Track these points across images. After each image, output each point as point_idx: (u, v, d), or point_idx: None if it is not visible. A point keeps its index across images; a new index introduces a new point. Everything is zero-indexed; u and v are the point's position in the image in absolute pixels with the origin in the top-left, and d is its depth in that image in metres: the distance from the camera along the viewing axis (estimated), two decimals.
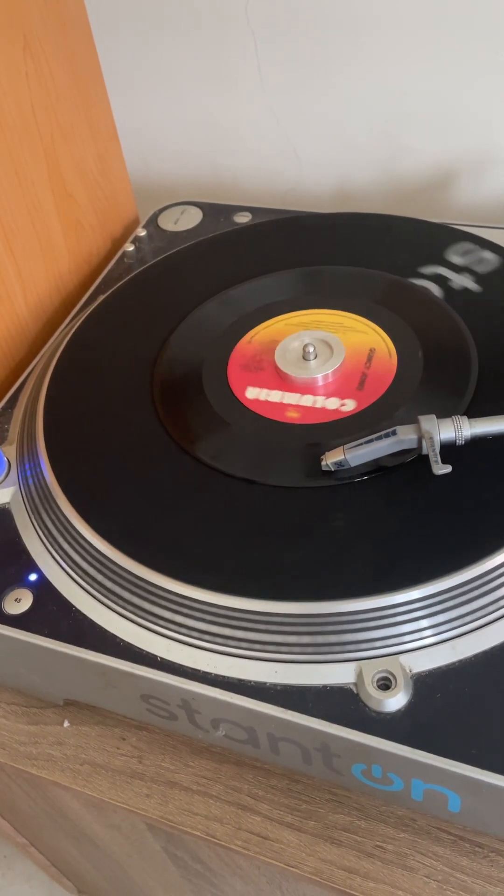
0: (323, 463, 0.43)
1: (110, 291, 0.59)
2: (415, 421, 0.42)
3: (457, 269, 0.45)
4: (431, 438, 0.40)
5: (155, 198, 0.81)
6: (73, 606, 0.41)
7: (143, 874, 0.66)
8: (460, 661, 0.36)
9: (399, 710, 0.35)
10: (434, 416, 0.41)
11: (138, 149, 0.83)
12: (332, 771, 0.38)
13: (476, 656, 0.36)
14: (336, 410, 0.47)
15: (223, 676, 0.37)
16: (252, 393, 0.49)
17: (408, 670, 0.36)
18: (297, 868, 0.40)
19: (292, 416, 0.47)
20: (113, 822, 0.55)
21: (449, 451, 0.41)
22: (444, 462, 0.40)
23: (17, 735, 0.46)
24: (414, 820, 0.41)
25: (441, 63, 0.67)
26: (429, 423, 0.41)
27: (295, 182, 0.81)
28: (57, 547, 0.43)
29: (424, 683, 0.36)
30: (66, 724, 0.46)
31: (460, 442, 0.41)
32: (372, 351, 0.50)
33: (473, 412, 0.44)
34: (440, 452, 0.40)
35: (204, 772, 0.44)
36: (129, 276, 0.61)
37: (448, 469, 0.39)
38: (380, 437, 0.42)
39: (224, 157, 0.81)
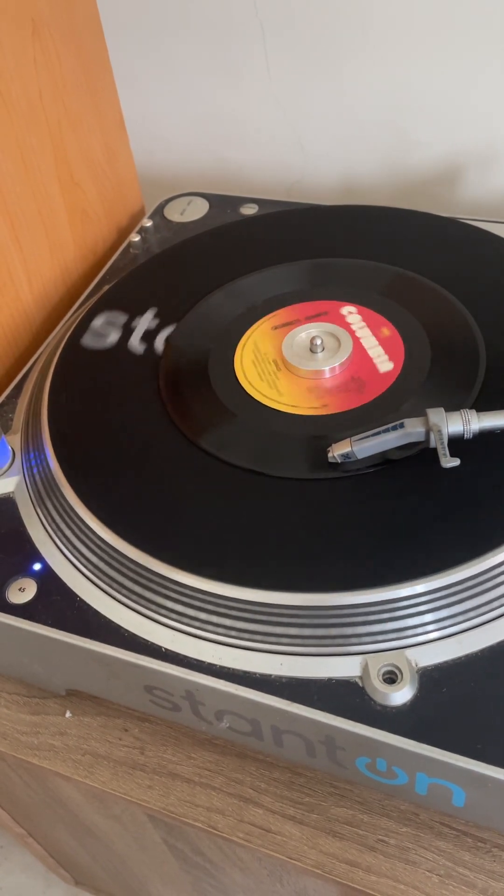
0: (329, 455, 0.43)
1: (116, 281, 0.59)
2: (422, 414, 0.42)
3: None
4: (440, 431, 0.40)
5: (159, 189, 0.80)
6: (77, 596, 0.41)
7: (141, 866, 0.66)
8: (466, 656, 0.36)
9: (405, 704, 0.35)
10: (442, 409, 0.41)
11: (143, 139, 0.82)
12: (336, 764, 0.38)
13: (482, 651, 0.36)
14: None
15: (228, 668, 0.37)
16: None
17: (414, 664, 0.36)
18: (299, 861, 0.40)
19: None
20: (113, 813, 0.55)
21: (455, 445, 0.41)
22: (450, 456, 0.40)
23: (19, 725, 0.46)
24: (417, 814, 0.41)
25: (449, 57, 0.66)
26: (437, 415, 0.40)
27: (300, 175, 0.80)
28: (61, 536, 0.43)
29: (430, 677, 0.36)
30: (67, 714, 0.46)
31: (468, 435, 0.41)
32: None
33: (480, 407, 0.43)
34: (448, 446, 0.40)
35: (206, 764, 0.44)
36: (135, 266, 0.60)
37: (456, 462, 0.39)
38: (387, 430, 0.41)
39: (229, 148, 0.81)
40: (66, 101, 0.60)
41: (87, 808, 0.57)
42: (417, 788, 0.36)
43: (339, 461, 0.43)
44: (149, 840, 0.57)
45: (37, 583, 0.41)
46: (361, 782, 0.39)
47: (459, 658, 0.36)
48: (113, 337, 0.46)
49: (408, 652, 0.36)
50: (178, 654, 0.38)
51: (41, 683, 0.47)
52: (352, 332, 0.50)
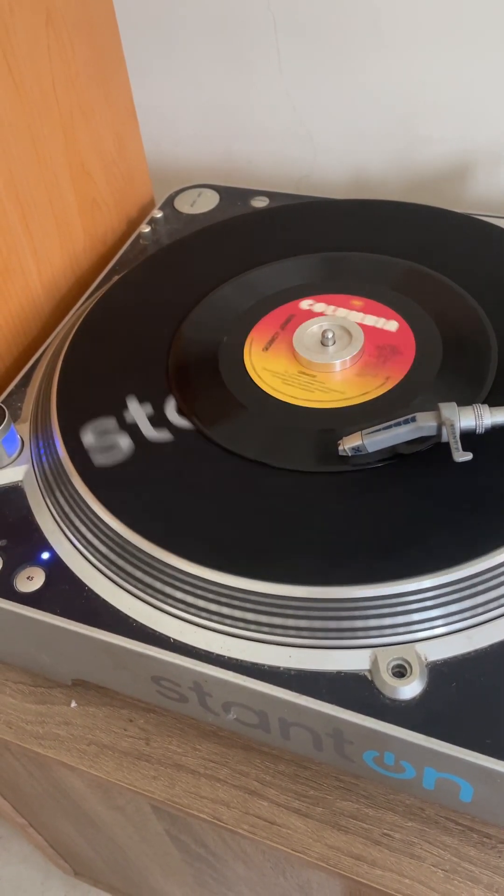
0: (340, 448, 0.42)
1: (126, 271, 0.59)
2: (434, 408, 0.41)
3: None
4: (452, 426, 0.40)
5: (168, 181, 0.80)
6: (86, 586, 0.41)
7: (143, 857, 0.66)
8: (476, 651, 0.36)
9: (414, 698, 0.35)
10: (454, 404, 0.41)
11: (152, 131, 0.82)
12: (344, 758, 0.37)
13: (492, 646, 0.36)
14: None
15: (237, 659, 0.37)
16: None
17: (423, 658, 0.36)
18: (304, 854, 0.40)
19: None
20: (117, 803, 0.55)
21: (466, 440, 0.41)
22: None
23: (24, 714, 0.46)
24: (422, 809, 0.41)
25: (460, 54, 0.66)
26: (449, 410, 0.40)
27: (310, 169, 0.80)
28: (70, 525, 0.43)
29: (440, 672, 0.36)
30: (73, 704, 0.46)
31: (480, 430, 0.41)
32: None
33: (492, 402, 0.43)
34: (460, 440, 0.40)
35: (211, 755, 0.44)
36: (145, 257, 0.60)
37: (469, 456, 0.39)
38: (399, 424, 0.41)
39: (239, 142, 0.81)
40: (79, 91, 0.60)
41: (90, 799, 0.57)
42: (425, 783, 0.36)
43: (350, 454, 0.42)
44: (151, 831, 0.57)
45: (45, 572, 0.41)
46: (368, 776, 0.39)
47: (469, 653, 0.36)
48: (123, 442, 0.45)
49: (417, 646, 0.36)
50: (186, 645, 0.38)
51: (47, 673, 0.46)
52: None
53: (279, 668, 0.36)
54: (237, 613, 0.38)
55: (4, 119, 0.53)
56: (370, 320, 0.51)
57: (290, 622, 0.37)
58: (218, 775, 0.43)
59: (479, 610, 0.37)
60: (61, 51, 0.57)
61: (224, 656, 0.37)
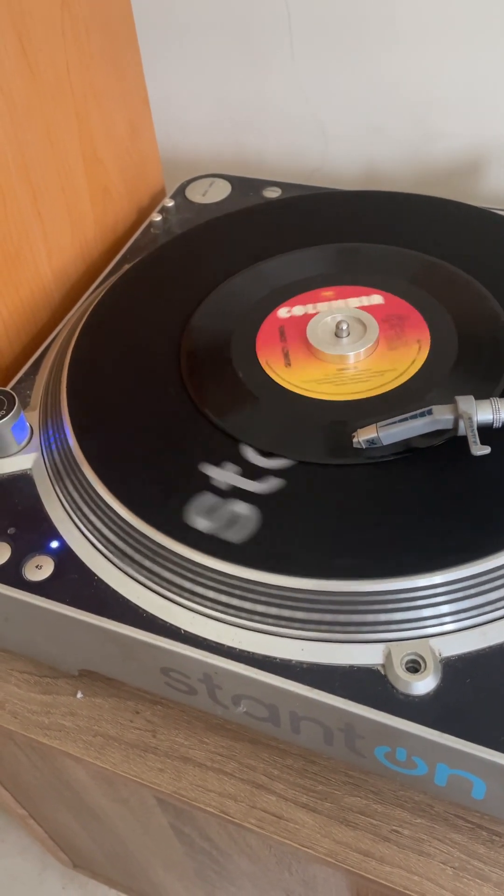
0: (354, 440, 0.42)
1: (137, 260, 0.58)
2: (449, 402, 0.41)
3: None
4: (470, 419, 0.39)
5: (178, 172, 0.80)
6: (96, 575, 0.40)
7: (144, 850, 0.66)
8: (490, 648, 0.36)
9: (427, 694, 0.34)
10: (472, 397, 0.40)
11: (164, 121, 0.81)
12: (354, 753, 0.37)
13: None
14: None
15: (248, 652, 0.36)
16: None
17: (437, 654, 0.35)
18: (311, 849, 0.40)
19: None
20: (121, 795, 0.55)
21: (481, 435, 0.40)
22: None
23: (30, 704, 0.46)
24: (431, 806, 0.40)
25: (474, 47, 0.66)
26: (466, 403, 0.40)
27: (321, 161, 0.79)
28: (80, 514, 0.42)
29: (454, 668, 0.35)
30: (79, 695, 0.46)
31: (497, 424, 0.40)
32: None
33: None
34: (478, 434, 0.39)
35: (219, 749, 0.43)
36: (156, 246, 0.60)
37: (487, 450, 0.38)
38: (415, 416, 0.41)
39: (250, 133, 0.80)
40: (93, 76, 0.60)
41: (94, 791, 0.57)
42: (437, 779, 0.36)
43: (364, 447, 0.42)
44: (155, 824, 0.57)
45: (54, 560, 0.41)
46: (378, 772, 0.38)
47: (483, 649, 0.36)
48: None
49: (431, 641, 0.36)
50: (197, 637, 0.37)
51: (54, 663, 0.46)
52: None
53: (291, 661, 0.36)
54: (249, 605, 0.37)
55: (19, 103, 0.52)
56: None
57: (303, 615, 0.37)
58: (225, 769, 0.42)
59: (494, 606, 0.37)
60: (76, 35, 0.56)
61: (235, 648, 0.37)
